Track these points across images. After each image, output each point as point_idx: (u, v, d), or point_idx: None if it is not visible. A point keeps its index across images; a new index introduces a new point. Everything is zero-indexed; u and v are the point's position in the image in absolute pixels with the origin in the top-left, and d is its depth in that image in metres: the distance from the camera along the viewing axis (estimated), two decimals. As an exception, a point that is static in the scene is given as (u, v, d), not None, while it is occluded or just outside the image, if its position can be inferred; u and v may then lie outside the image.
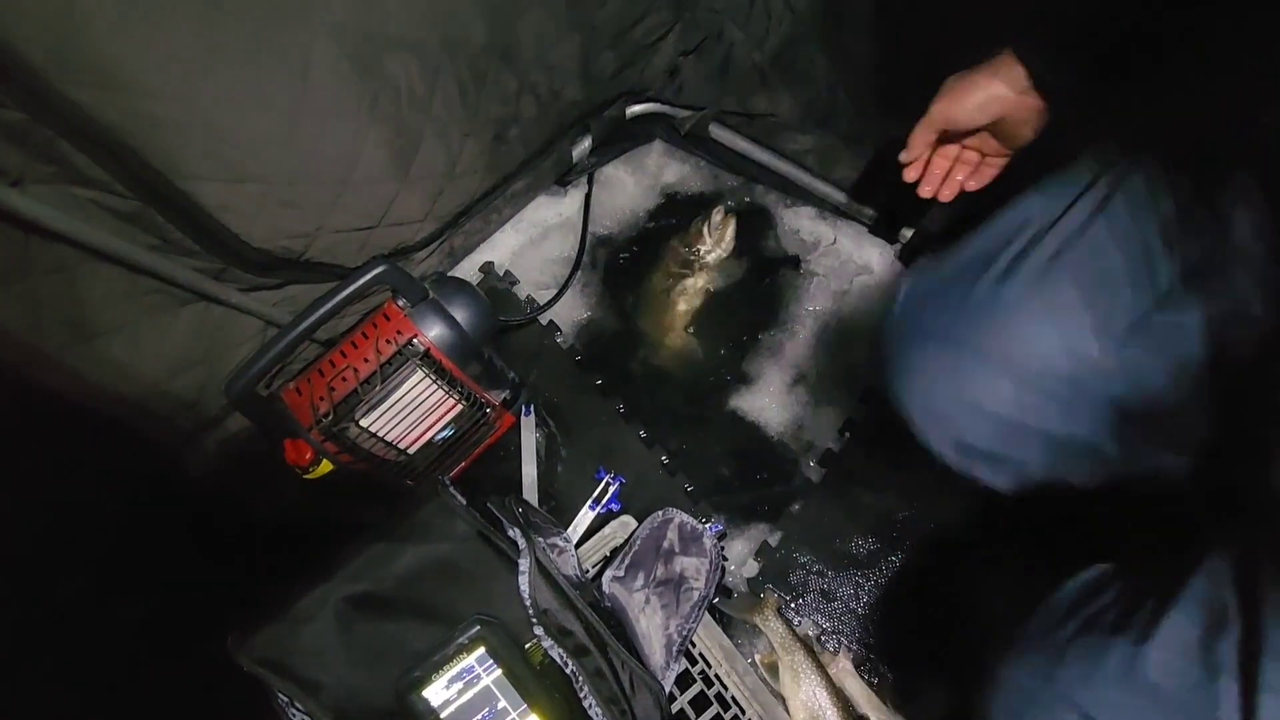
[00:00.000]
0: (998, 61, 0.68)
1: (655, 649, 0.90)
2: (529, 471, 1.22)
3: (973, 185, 0.80)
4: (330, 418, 0.96)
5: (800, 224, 1.39)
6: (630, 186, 1.49)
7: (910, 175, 0.81)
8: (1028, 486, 0.68)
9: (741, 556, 1.14)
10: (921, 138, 0.76)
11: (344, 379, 0.99)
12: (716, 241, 1.35)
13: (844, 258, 1.34)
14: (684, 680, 0.96)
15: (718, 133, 1.42)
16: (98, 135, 0.68)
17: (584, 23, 1.15)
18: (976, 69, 0.70)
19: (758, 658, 1.02)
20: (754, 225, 1.39)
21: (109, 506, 0.91)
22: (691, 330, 1.35)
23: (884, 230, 1.33)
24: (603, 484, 1.20)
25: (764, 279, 1.36)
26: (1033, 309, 0.61)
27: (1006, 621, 0.62)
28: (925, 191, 0.81)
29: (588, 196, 1.46)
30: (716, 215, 1.35)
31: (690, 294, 1.37)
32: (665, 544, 1.01)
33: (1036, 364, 0.60)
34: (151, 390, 0.92)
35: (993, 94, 0.69)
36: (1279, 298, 0.53)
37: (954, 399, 0.65)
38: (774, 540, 1.14)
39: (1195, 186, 0.57)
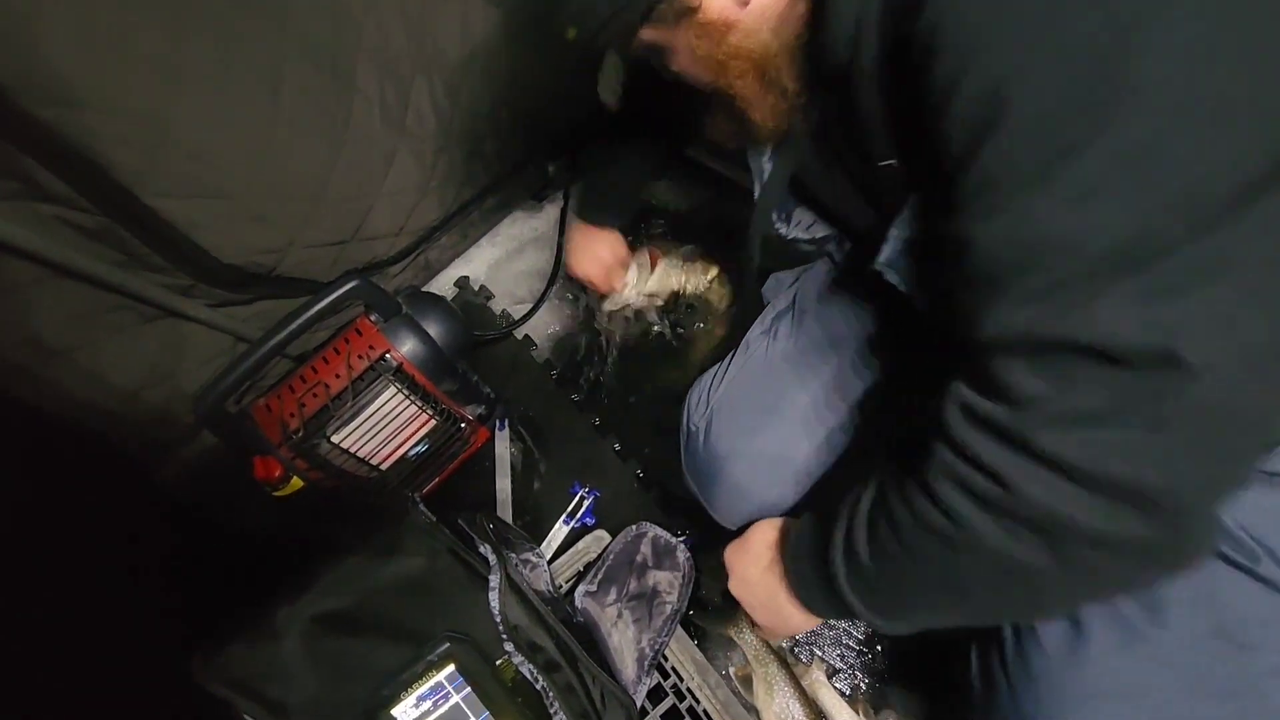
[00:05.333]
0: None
1: (627, 663, 0.90)
2: (503, 486, 1.22)
3: None
4: (301, 434, 0.96)
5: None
6: (606, 201, 1.50)
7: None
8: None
9: (715, 569, 1.14)
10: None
11: (315, 395, 0.98)
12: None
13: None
14: (656, 694, 0.96)
15: (693, 150, 1.44)
16: (63, 152, 0.67)
17: (558, 41, 1.16)
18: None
19: (731, 670, 1.02)
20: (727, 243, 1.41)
21: (71, 524, 0.89)
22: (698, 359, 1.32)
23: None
24: (577, 498, 1.20)
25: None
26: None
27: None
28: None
29: (563, 211, 1.47)
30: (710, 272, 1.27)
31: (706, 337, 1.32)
32: (638, 558, 1.01)
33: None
34: (115, 408, 0.91)
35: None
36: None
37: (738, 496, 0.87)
38: (748, 552, 1.15)
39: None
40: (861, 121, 0.55)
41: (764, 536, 0.72)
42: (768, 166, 0.74)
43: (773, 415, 0.85)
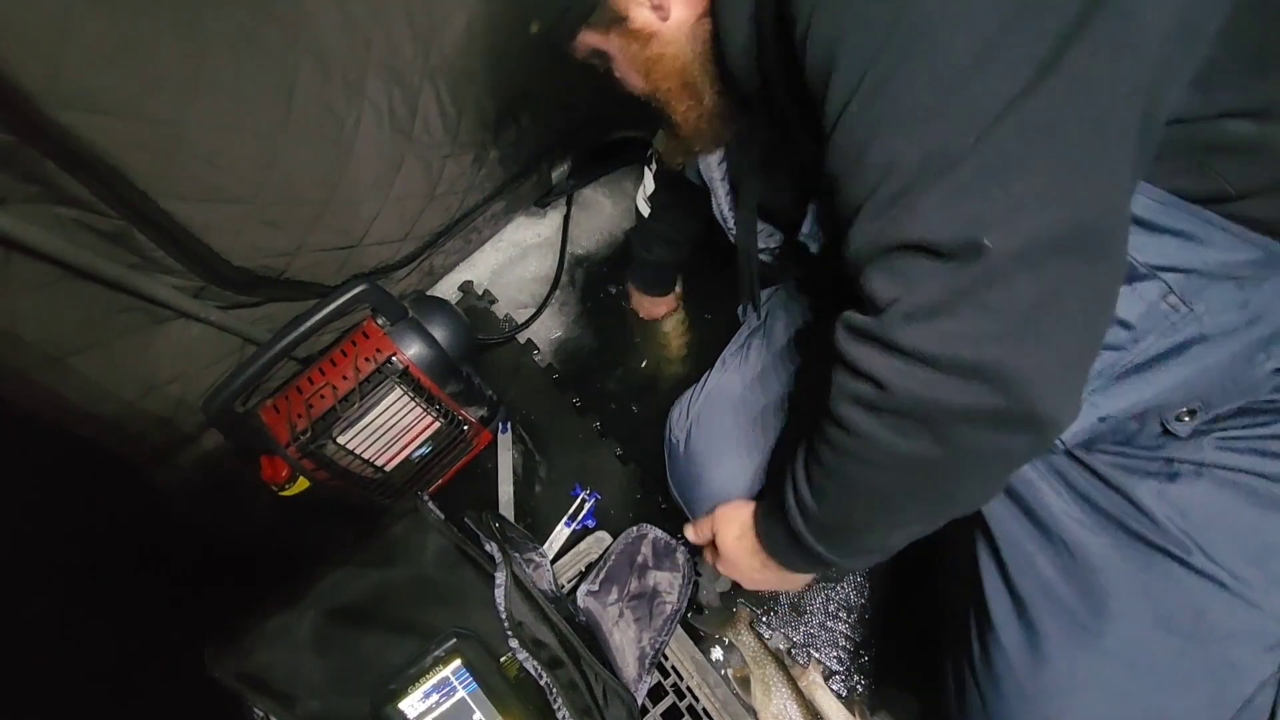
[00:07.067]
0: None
1: (628, 661, 0.92)
2: (505, 489, 1.23)
3: None
4: (308, 435, 0.97)
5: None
6: (608, 208, 1.52)
7: None
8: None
9: (714, 571, 1.15)
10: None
11: (322, 396, 1.00)
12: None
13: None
14: (656, 692, 0.97)
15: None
16: (83, 157, 0.69)
17: (563, 53, 1.18)
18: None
19: (729, 671, 1.03)
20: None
21: (80, 523, 0.90)
22: (683, 355, 1.37)
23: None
24: (579, 500, 1.21)
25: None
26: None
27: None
28: None
29: (566, 218, 1.49)
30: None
31: (677, 329, 1.38)
32: (639, 559, 1.02)
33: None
34: (126, 407, 0.92)
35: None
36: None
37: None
38: (747, 555, 1.16)
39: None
40: (784, 118, 0.62)
41: (740, 514, 0.77)
42: (718, 177, 0.81)
43: (748, 426, 0.91)
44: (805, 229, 0.68)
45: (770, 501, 0.69)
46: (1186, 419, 0.57)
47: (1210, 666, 0.57)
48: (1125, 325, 0.53)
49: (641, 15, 0.61)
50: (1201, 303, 0.51)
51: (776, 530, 0.67)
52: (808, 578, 0.75)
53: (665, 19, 0.61)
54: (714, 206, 0.84)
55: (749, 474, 0.88)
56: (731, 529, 0.76)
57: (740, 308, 1.00)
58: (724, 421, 0.93)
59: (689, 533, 0.84)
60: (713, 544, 0.80)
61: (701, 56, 0.63)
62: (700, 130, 0.70)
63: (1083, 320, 0.44)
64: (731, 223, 0.84)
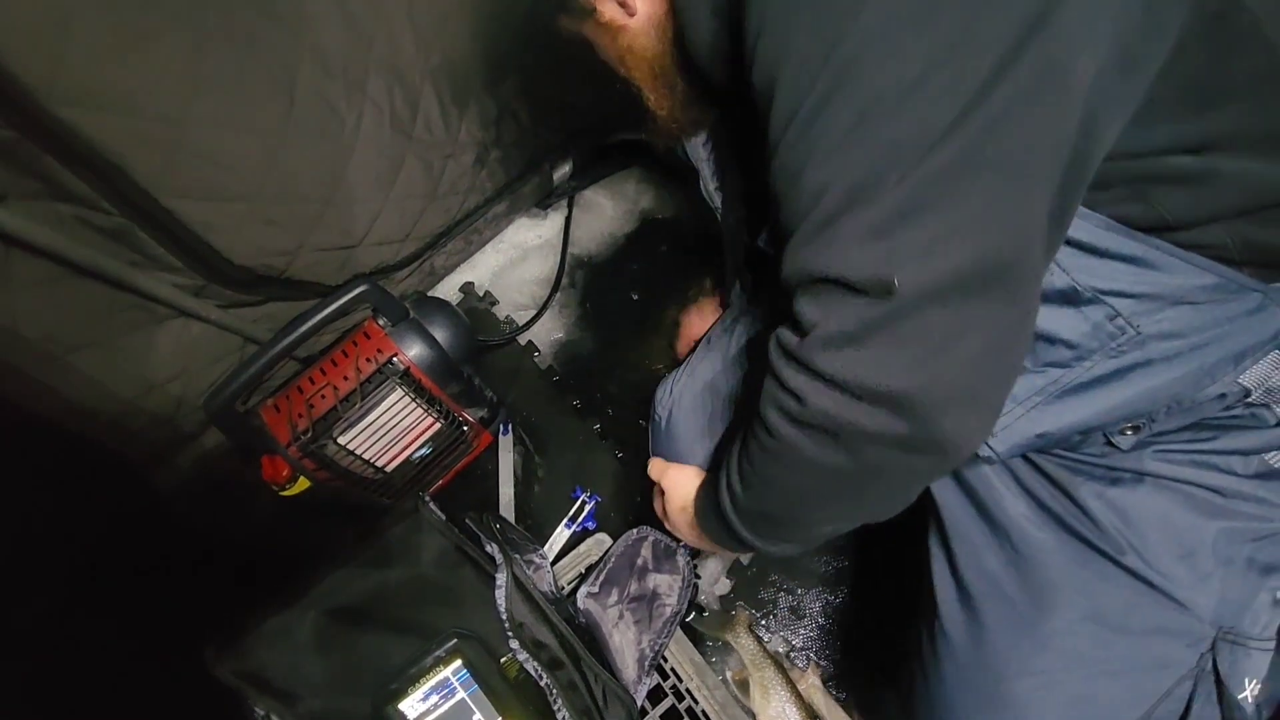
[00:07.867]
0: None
1: (628, 663, 0.91)
2: (506, 490, 1.23)
3: None
4: (309, 435, 0.97)
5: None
6: (610, 210, 1.52)
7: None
8: None
9: (714, 574, 1.15)
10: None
11: (323, 396, 0.99)
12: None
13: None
14: (656, 694, 0.97)
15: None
16: (84, 153, 0.69)
17: (565, 54, 1.18)
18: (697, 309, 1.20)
19: (729, 674, 1.03)
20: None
21: (80, 523, 0.90)
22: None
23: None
24: (579, 503, 1.21)
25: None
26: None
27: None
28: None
29: (568, 219, 1.48)
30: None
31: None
32: (639, 561, 1.02)
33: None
34: (126, 406, 0.92)
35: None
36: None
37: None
38: (745, 558, 1.16)
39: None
40: (745, 122, 0.62)
41: (688, 486, 0.81)
42: (704, 158, 0.83)
43: (724, 408, 0.92)
44: (763, 237, 0.70)
45: (710, 482, 0.72)
46: (1130, 433, 0.59)
47: (1136, 659, 0.60)
48: (1069, 345, 0.55)
49: (609, 9, 0.63)
50: (1152, 326, 0.53)
51: (709, 510, 0.71)
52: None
53: (632, 14, 0.62)
54: (701, 186, 0.85)
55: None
56: (677, 497, 0.80)
57: (729, 291, 1.01)
58: (703, 402, 0.94)
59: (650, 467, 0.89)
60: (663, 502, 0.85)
61: (672, 49, 0.64)
62: (676, 118, 0.72)
63: (991, 357, 0.45)
64: (718, 201, 0.86)
